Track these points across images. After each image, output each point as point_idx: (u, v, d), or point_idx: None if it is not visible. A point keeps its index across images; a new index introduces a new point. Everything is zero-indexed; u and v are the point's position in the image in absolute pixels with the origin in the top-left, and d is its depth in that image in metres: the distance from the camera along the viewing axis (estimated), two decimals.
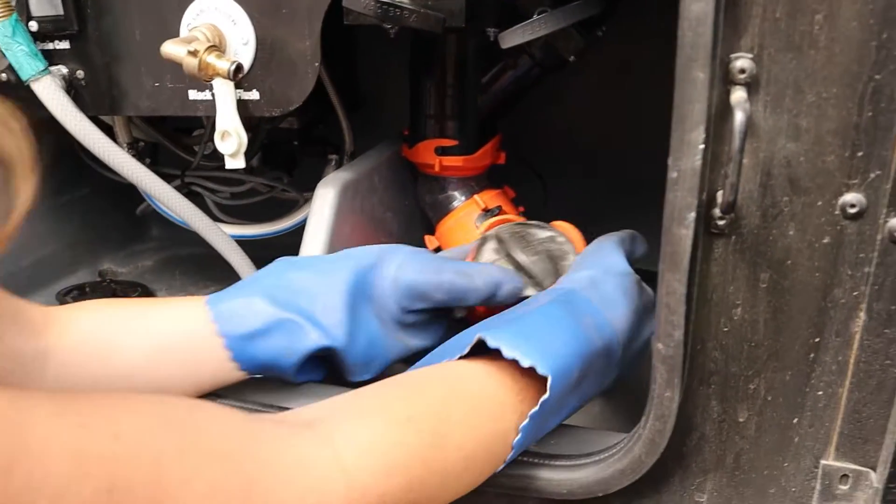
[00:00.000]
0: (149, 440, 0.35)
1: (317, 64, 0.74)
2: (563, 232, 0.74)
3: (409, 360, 0.65)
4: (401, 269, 0.64)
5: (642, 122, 0.77)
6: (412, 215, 0.97)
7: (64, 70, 0.83)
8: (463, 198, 0.91)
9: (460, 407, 0.49)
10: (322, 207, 0.80)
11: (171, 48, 0.71)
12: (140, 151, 1.00)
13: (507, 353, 0.52)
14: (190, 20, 0.76)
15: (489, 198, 0.90)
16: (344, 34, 1.00)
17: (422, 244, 0.95)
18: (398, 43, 0.82)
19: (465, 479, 0.49)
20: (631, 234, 0.69)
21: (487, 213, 0.88)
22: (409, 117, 0.91)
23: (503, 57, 0.86)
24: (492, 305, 0.66)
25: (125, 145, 0.98)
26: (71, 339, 0.57)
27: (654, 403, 0.52)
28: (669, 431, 0.53)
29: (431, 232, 0.94)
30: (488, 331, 0.54)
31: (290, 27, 0.74)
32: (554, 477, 0.56)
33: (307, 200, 1.02)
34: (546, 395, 0.51)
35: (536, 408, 0.51)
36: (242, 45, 0.75)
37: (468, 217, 0.89)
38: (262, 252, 0.97)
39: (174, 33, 0.77)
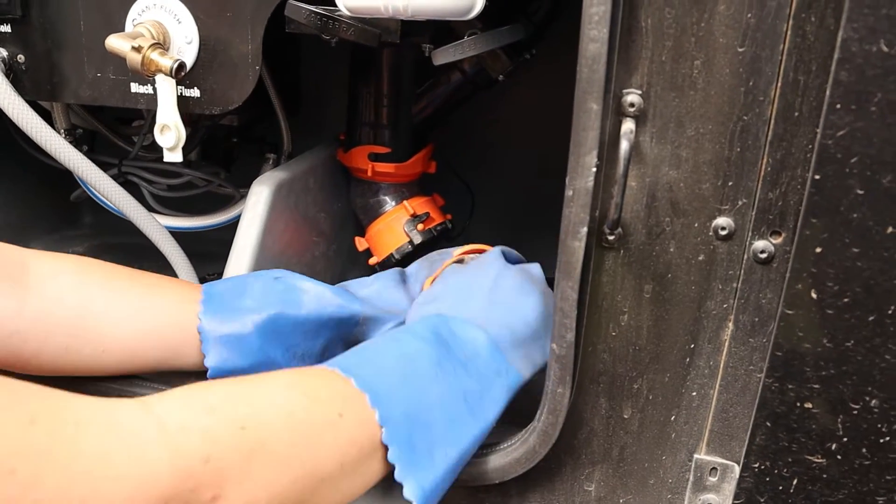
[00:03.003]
0: None
1: (257, 67, 0.78)
2: None
3: None
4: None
5: (566, 135, 0.83)
6: (344, 217, 1.01)
7: (4, 53, 0.84)
8: (393, 203, 0.95)
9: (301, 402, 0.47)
10: (256, 205, 0.84)
11: (115, 42, 0.73)
12: (77, 138, 1.01)
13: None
14: (135, 16, 0.78)
15: (418, 204, 0.94)
16: (288, 40, 1.04)
17: (352, 245, 0.99)
18: (340, 52, 0.86)
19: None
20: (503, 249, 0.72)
21: (416, 218, 0.93)
22: (346, 123, 0.95)
23: (437, 72, 0.91)
24: None
25: (63, 131, 0.99)
26: (48, 293, 0.60)
27: (548, 399, 0.58)
28: (561, 424, 0.58)
29: (362, 233, 0.98)
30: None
31: (234, 30, 0.77)
32: None
33: (243, 196, 1.04)
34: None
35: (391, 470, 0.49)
36: (186, 44, 0.78)
37: (397, 221, 0.94)
38: (196, 244, 0.99)
39: (119, 27, 0.79)
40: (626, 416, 0.60)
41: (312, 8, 0.72)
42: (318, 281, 0.71)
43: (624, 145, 0.49)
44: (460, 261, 0.77)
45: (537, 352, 0.61)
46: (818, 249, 0.45)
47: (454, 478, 0.53)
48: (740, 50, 0.48)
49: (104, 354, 0.62)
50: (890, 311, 0.45)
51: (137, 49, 0.72)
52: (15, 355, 0.58)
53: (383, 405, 0.49)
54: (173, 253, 0.94)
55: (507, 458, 0.61)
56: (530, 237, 0.87)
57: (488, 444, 0.63)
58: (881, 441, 0.49)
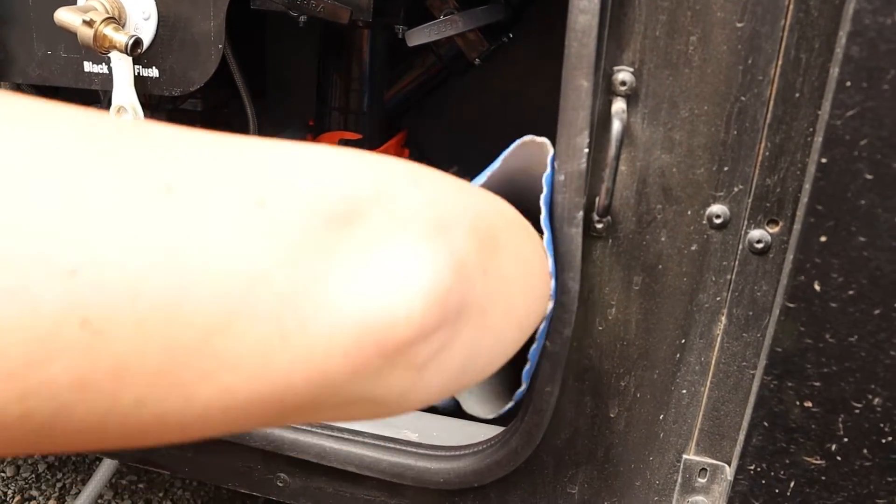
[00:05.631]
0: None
1: (220, 46, 0.73)
2: None
3: None
4: None
5: (547, 124, 0.79)
6: None
7: None
8: None
9: None
10: None
11: (65, 16, 0.68)
12: None
13: None
14: None
15: None
16: (254, 20, 0.99)
17: None
18: (309, 33, 0.82)
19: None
20: None
21: None
22: (315, 108, 0.90)
23: (411, 55, 0.87)
24: None
25: None
26: None
27: (535, 397, 0.54)
28: (546, 425, 0.55)
29: None
30: None
31: (195, 6, 0.72)
32: (431, 466, 0.57)
33: None
34: None
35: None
36: (143, 20, 0.73)
37: None
38: None
39: (70, 1, 0.74)
40: (612, 416, 0.57)
41: None
42: None
43: (616, 125, 0.45)
44: None
45: None
46: (823, 238, 0.42)
47: None
48: (739, 25, 0.45)
49: None
50: None
51: (89, 23, 0.67)
52: None
53: None
54: None
55: (486, 461, 0.57)
56: None
57: (465, 444, 0.60)
58: (883, 441, 0.46)
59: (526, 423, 0.55)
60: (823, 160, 0.41)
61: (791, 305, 0.44)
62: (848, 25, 0.39)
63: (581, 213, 0.47)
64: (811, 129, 0.46)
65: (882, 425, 0.46)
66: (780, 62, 0.45)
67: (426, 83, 0.90)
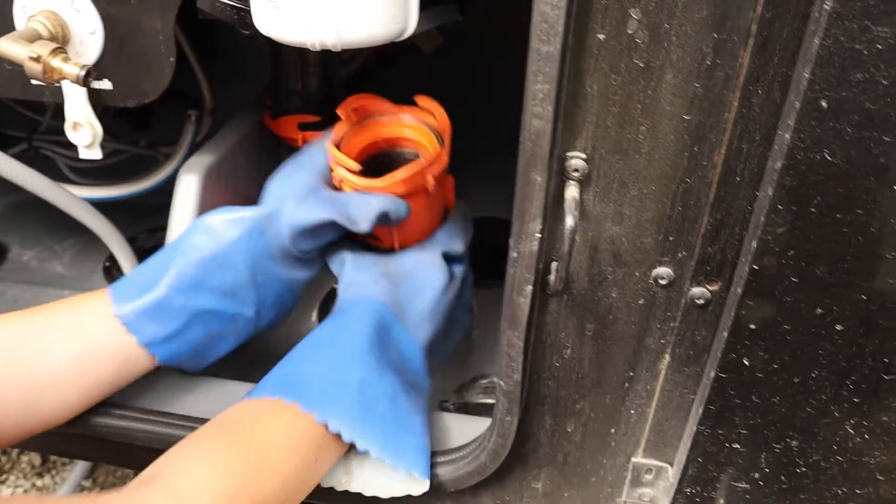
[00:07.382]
0: None
1: (172, 59, 0.72)
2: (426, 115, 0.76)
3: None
4: (295, 213, 0.65)
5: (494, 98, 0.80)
6: None
7: None
8: None
9: (275, 444, 0.56)
10: (186, 197, 0.80)
11: (10, 48, 0.65)
12: None
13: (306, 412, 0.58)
14: (25, 3, 0.70)
15: None
16: None
17: None
18: None
19: (283, 498, 0.55)
20: (449, 234, 0.71)
21: None
22: (272, 90, 0.89)
23: None
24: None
25: None
26: None
27: (497, 425, 0.60)
28: (510, 446, 0.61)
29: None
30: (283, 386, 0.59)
31: (142, 18, 0.70)
32: None
33: (168, 157, 0.99)
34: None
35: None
36: (89, 35, 0.71)
37: None
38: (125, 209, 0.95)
39: (6, 15, 0.71)
40: (569, 430, 0.64)
41: (226, 0, 0.66)
42: (206, 214, 0.68)
43: (569, 221, 0.48)
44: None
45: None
46: (752, 326, 0.47)
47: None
48: (686, 117, 0.47)
49: (64, 400, 0.62)
50: (814, 375, 0.48)
51: (36, 59, 0.65)
52: None
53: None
54: (100, 226, 0.90)
55: (461, 472, 0.64)
56: (464, 189, 0.86)
57: (444, 451, 0.66)
58: (798, 471, 0.54)
59: (492, 443, 0.62)
60: (756, 266, 0.45)
61: (723, 376, 0.50)
62: (783, 160, 0.41)
63: (530, 287, 0.51)
64: (749, 207, 0.49)
65: (798, 460, 0.53)
66: (723, 150, 0.48)
67: (383, 60, 0.89)
